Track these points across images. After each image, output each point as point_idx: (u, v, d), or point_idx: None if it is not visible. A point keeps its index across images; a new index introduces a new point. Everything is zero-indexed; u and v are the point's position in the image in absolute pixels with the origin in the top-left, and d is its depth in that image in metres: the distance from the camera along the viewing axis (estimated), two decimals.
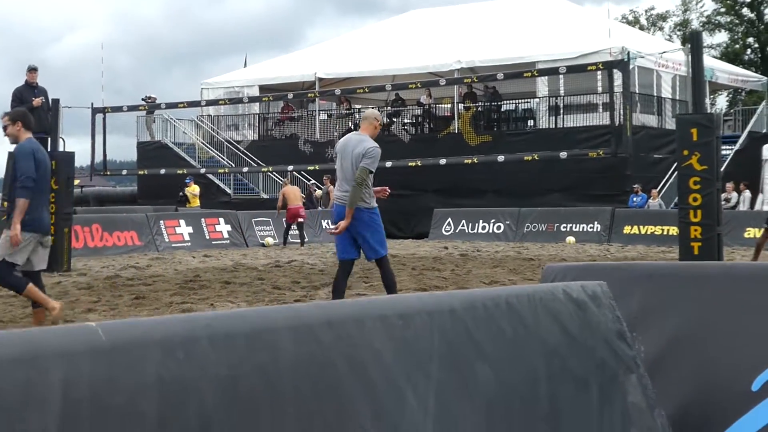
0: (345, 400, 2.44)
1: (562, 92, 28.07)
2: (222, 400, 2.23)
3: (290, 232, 22.10)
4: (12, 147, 8.93)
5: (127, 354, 2.12)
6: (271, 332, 2.38)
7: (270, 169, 24.86)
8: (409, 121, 30.88)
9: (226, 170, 27.41)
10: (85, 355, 2.04)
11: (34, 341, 2.01)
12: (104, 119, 17.46)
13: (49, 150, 15.15)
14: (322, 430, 2.36)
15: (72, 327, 2.08)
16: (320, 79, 31.89)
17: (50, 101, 15.65)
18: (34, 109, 15.01)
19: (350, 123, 31.45)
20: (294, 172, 28.04)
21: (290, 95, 24.10)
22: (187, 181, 28.06)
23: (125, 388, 2.08)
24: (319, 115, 32.23)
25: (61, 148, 15.82)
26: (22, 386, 1.93)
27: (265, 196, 30.63)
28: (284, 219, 21.91)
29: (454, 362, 2.67)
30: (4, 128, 8.63)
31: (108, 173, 20.87)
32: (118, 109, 17.96)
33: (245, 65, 39.38)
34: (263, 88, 32.58)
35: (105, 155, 18.09)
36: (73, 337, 2.06)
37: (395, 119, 30.92)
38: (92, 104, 17.45)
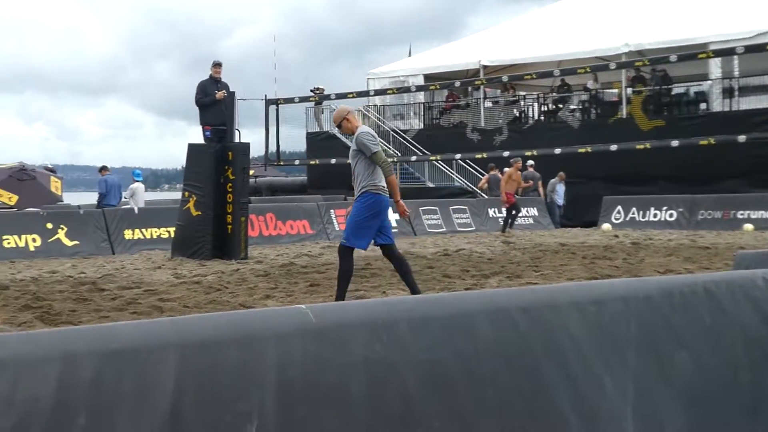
0: (543, 384, 2.46)
1: (736, 73, 26.92)
2: (422, 381, 2.28)
3: (503, 217, 22.29)
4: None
5: (335, 335, 2.20)
6: (468, 316, 2.42)
7: (438, 157, 24.96)
8: (575, 107, 30.34)
9: (394, 159, 27.69)
10: (297, 337, 2.13)
11: (250, 323, 2.12)
12: (277, 110, 17.95)
13: (226, 141, 15.74)
14: (521, 413, 2.38)
15: (284, 309, 2.18)
16: (484, 67, 31.74)
17: (229, 95, 16.19)
18: (216, 102, 15.60)
19: (515, 110, 31.17)
20: (460, 161, 28.10)
21: (457, 83, 24.11)
22: None
23: (334, 368, 2.16)
24: (484, 102, 32.10)
25: (236, 139, 16.35)
26: (241, 366, 2.03)
27: (431, 185, 30.77)
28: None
29: (651, 349, 2.64)
30: None
31: (281, 163, 21.46)
32: (289, 101, 18.44)
33: (410, 54, 39.67)
34: (428, 77, 32.71)
35: (278, 145, 18.61)
36: (286, 319, 2.15)
37: (561, 105, 30.46)
38: (266, 96, 17.99)
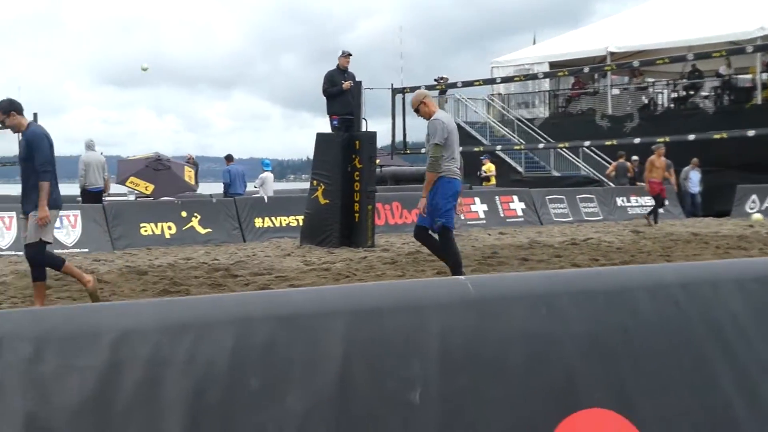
0: (703, 360, 2.41)
1: None
2: (583, 355, 2.26)
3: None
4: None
5: (494, 307, 2.20)
6: (628, 291, 2.39)
7: (566, 145, 24.62)
8: (706, 93, 29.46)
9: (522, 147, 27.44)
10: (458, 307, 2.15)
11: (414, 293, 2.14)
12: (403, 99, 17.99)
13: (353, 130, 15.89)
14: (682, 389, 2.34)
15: (445, 280, 2.19)
16: (612, 53, 31.12)
17: (356, 84, 16.33)
18: (343, 92, 15.76)
19: (644, 97, 30.46)
20: (586, 149, 27.65)
21: (586, 69, 23.68)
22: (482, 159, 28.35)
23: (493, 339, 2.16)
24: (611, 89, 31.49)
25: (363, 129, 16.49)
26: (406, 334, 2.06)
27: (556, 174, 30.40)
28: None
29: None
30: (2, 123, 8.74)
31: (408, 152, 21.51)
32: (416, 89, 18.43)
33: (534, 43, 39.24)
34: (553, 65, 32.28)
35: (405, 134, 18.66)
36: (447, 289, 2.17)
37: (692, 92, 29.61)
38: (392, 85, 18.05)
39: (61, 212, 15.84)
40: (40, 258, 8.66)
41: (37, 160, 8.43)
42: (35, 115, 29.77)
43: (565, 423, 2.20)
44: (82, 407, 1.77)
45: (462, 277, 2.22)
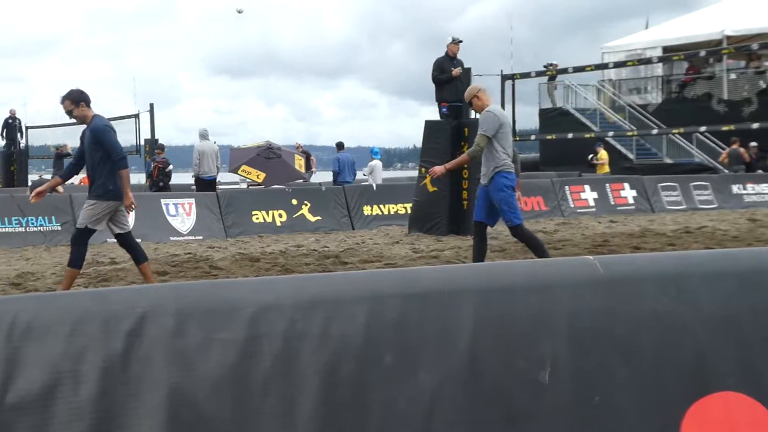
0: None
1: None
2: (715, 337, 2.21)
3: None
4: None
5: (623, 287, 2.18)
6: (762, 273, 2.33)
7: (681, 130, 24.03)
8: None
9: (635, 133, 26.86)
10: (587, 287, 2.13)
11: (543, 272, 2.13)
12: (513, 86, 17.88)
13: (462, 117, 15.86)
14: None
15: (573, 260, 2.18)
16: (728, 37, 30.24)
17: (465, 71, 16.28)
18: (453, 79, 15.73)
19: (762, 81, 29.51)
20: (700, 135, 26.95)
21: (702, 53, 23.05)
22: (595, 146, 27.92)
23: (623, 320, 2.14)
24: (727, 74, 30.60)
25: (472, 116, 16.43)
26: (535, 313, 2.05)
27: (669, 161, 29.72)
28: None
29: None
30: (70, 112, 8.74)
31: (517, 138, 21.35)
32: (525, 75, 18.33)
33: (647, 27, 38.40)
34: (666, 49, 31.55)
35: (514, 121, 18.52)
36: (576, 269, 2.15)
37: None
38: (501, 71, 17.95)
39: (177, 200, 16.37)
40: (82, 243, 8.85)
41: (111, 151, 8.61)
42: (152, 105, 30.74)
43: (696, 406, 2.16)
44: (223, 379, 1.83)
45: (591, 257, 2.20)
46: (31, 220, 15.01)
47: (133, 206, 8.82)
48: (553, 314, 2.06)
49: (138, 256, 9.16)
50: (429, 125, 16.29)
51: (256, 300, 1.90)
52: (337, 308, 1.97)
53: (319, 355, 1.91)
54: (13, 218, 14.90)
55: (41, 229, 15.00)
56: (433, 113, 16.33)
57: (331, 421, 1.90)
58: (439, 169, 9.76)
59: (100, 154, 8.65)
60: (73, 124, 35.50)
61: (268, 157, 19.98)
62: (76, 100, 8.62)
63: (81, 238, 8.84)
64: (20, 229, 14.89)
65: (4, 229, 14.74)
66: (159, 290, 1.89)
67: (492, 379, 2.04)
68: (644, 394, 2.11)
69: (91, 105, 8.78)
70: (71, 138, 32.11)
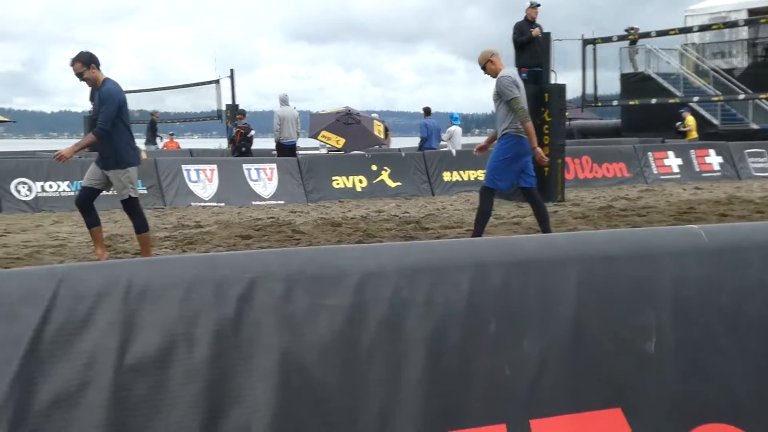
0: None
1: None
2: None
3: None
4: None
5: (728, 257, 2.14)
6: None
7: None
8: None
9: (720, 99, 26.22)
10: (691, 256, 2.10)
11: (646, 240, 2.11)
12: (594, 50, 17.59)
13: (542, 83, 15.69)
14: None
15: (677, 228, 2.15)
16: None
17: (544, 36, 16.08)
18: (533, 39, 15.56)
19: None
20: None
21: None
22: (681, 111, 27.32)
23: (728, 290, 2.11)
24: None
25: (552, 81, 16.25)
26: (637, 282, 2.03)
27: (755, 126, 28.98)
28: None
29: None
30: (80, 74, 8.54)
31: (599, 104, 21.06)
32: (607, 40, 18.03)
33: None
34: (752, 12, 30.64)
35: (596, 86, 18.26)
36: (680, 237, 2.12)
37: None
38: (582, 36, 17.65)
39: (259, 165, 16.57)
40: (139, 209, 8.93)
41: (101, 115, 8.52)
42: (232, 71, 31.02)
43: None
44: (331, 344, 1.85)
45: (695, 226, 2.16)
46: None
47: (65, 155, 8.70)
48: (657, 283, 2.04)
49: (92, 220, 9.09)
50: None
51: (361, 266, 1.91)
52: (440, 276, 1.97)
53: (423, 322, 1.92)
54: None
55: None
56: None
57: (437, 388, 1.91)
58: (542, 153, 9.54)
59: None
60: (155, 89, 35.94)
61: (347, 122, 20.05)
62: (86, 62, 8.52)
63: (135, 206, 8.90)
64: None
65: None
66: (267, 256, 1.92)
67: (596, 348, 2.03)
68: (751, 365, 2.08)
69: (101, 68, 8.68)
70: (153, 104, 32.60)
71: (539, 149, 9.47)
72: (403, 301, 1.91)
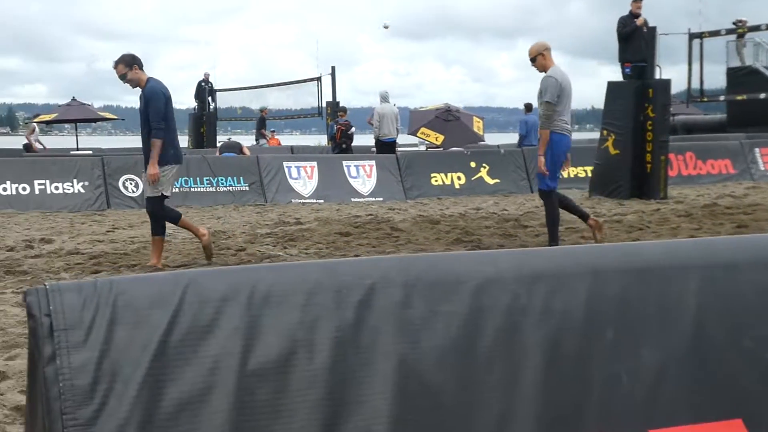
0: None
1: None
2: None
3: None
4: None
5: None
6: None
7: None
8: None
9: None
10: None
11: None
12: (701, 45, 17.18)
13: (646, 78, 15.41)
14: None
15: None
16: None
17: (649, 30, 15.78)
18: (637, 29, 15.30)
19: None
20: None
21: None
22: None
23: None
24: None
25: (657, 76, 15.95)
26: (759, 290, 1.98)
27: None
28: None
29: None
30: (123, 76, 8.41)
31: (705, 99, 20.55)
32: (715, 34, 17.60)
33: None
34: None
35: (701, 81, 17.83)
36: None
37: None
38: (689, 30, 17.26)
39: (358, 162, 16.68)
40: (160, 212, 8.63)
41: (151, 116, 8.41)
42: (333, 68, 31.27)
43: None
44: (448, 350, 1.85)
45: None
46: (221, 180, 15.65)
47: (153, 178, 8.48)
48: None
49: (155, 226, 8.79)
50: (611, 86, 15.94)
51: (479, 273, 1.91)
52: (558, 283, 1.95)
53: (541, 329, 1.91)
54: (204, 178, 15.57)
55: (230, 188, 15.62)
56: (613, 73, 15.95)
57: (553, 396, 1.90)
58: (542, 163, 9.44)
59: None
60: (258, 87, 36.45)
61: (446, 119, 20.04)
62: (128, 63, 8.44)
63: (159, 207, 8.66)
64: (211, 189, 15.55)
65: (196, 189, 15.43)
66: (386, 262, 1.93)
67: (718, 358, 1.98)
68: None
69: (144, 68, 8.58)
70: (256, 101, 33.07)
71: (542, 158, 9.34)
72: (520, 308, 1.90)
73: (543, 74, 9.34)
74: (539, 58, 9.43)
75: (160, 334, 1.66)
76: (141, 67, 8.53)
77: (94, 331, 1.62)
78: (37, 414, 1.65)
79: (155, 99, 8.40)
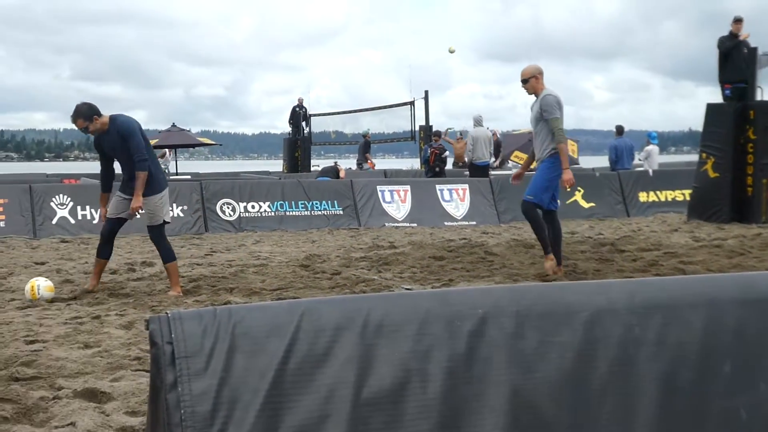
0: None
1: None
2: None
3: None
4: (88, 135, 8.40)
5: None
6: None
7: None
8: None
9: None
10: None
11: None
12: None
13: (747, 99, 15.06)
14: None
15: None
16: None
17: (750, 51, 15.44)
18: (739, 44, 15.01)
19: None
20: None
21: None
22: None
23: None
24: None
25: (758, 97, 15.57)
26: None
27: None
28: None
29: None
30: (85, 129, 8.22)
31: None
32: None
33: None
34: None
35: None
36: None
37: None
38: None
39: (451, 185, 16.67)
40: (164, 238, 8.58)
41: (132, 150, 8.26)
42: (426, 93, 31.39)
43: None
44: (561, 382, 1.84)
45: None
46: (316, 204, 15.81)
47: (137, 212, 8.43)
48: None
49: (107, 252, 8.73)
50: (711, 108, 15.62)
51: (591, 303, 1.89)
52: (672, 314, 1.92)
53: (655, 362, 1.88)
54: (300, 202, 15.76)
55: (324, 212, 15.77)
56: (711, 95, 15.67)
57: (669, 429, 1.86)
58: (569, 177, 9.38)
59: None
60: (351, 111, 36.69)
61: None
62: (88, 116, 8.25)
63: (161, 234, 8.59)
64: (306, 212, 15.73)
65: (291, 213, 15.63)
66: (497, 292, 1.93)
67: None
68: None
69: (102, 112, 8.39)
70: (350, 125, 33.38)
71: (569, 171, 9.35)
72: (634, 339, 1.88)
73: (533, 96, 9.43)
74: (532, 81, 9.48)
75: (277, 363, 1.69)
76: (99, 114, 8.36)
77: (214, 359, 1.65)
78: None
79: (133, 133, 8.30)
